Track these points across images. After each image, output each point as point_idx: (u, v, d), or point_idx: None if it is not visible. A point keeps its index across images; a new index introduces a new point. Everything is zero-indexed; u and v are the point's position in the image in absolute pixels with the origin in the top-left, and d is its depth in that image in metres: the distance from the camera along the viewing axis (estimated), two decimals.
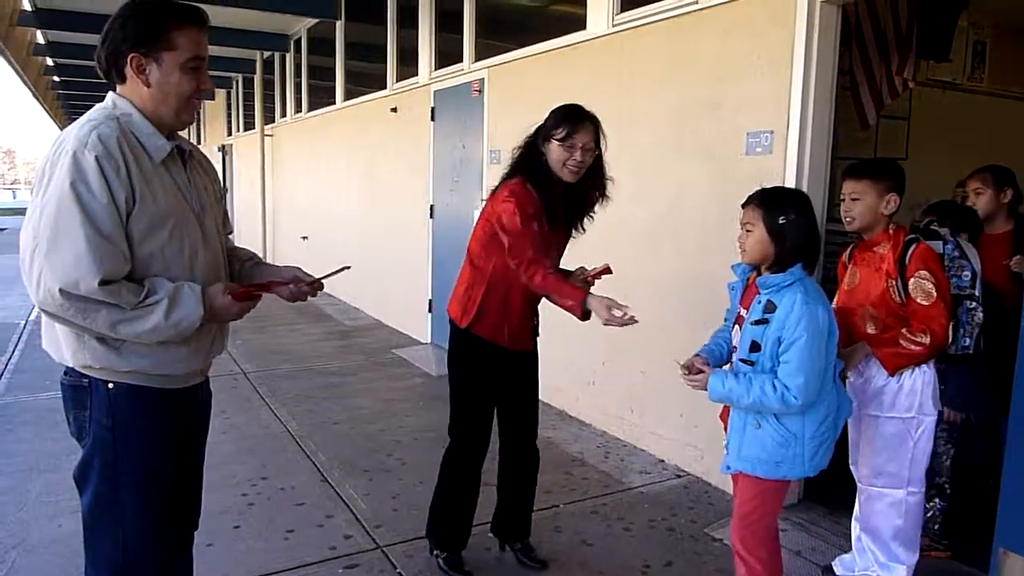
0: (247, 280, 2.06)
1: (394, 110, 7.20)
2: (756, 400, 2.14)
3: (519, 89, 5.25)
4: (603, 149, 2.72)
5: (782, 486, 2.29)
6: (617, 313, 2.32)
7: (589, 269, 2.73)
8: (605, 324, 2.37)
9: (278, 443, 4.30)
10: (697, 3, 3.74)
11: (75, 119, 1.83)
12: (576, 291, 2.48)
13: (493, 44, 5.82)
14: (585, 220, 2.82)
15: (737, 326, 2.32)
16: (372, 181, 8.07)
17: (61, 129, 1.74)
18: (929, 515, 3.03)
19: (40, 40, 11.30)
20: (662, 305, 3.97)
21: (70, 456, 1.84)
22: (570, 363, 4.61)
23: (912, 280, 2.49)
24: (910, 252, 2.51)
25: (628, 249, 4.25)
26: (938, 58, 5.02)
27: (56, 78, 14.88)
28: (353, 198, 8.61)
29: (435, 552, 2.94)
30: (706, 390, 2.24)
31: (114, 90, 1.81)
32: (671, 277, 3.92)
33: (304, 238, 10.10)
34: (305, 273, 2.08)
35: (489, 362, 2.78)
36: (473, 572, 2.88)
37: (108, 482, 1.79)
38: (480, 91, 5.75)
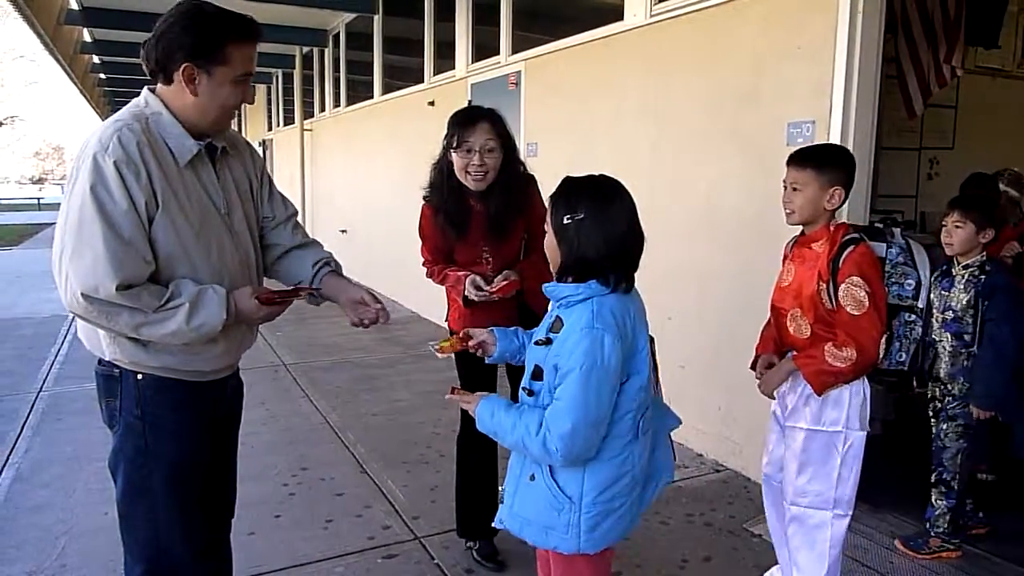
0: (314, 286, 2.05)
1: (431, 103, 7.22)
2: (519, 440, 1.67)
3: (556, 81, 5.23)
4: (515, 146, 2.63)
5: (599, 559, 1.78)
6: (475, 288, 2.52)
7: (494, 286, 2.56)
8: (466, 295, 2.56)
9: (318, 434, 4.36)
10: None
11: None
12: (459, 275, 2.62)
13: (530, 36, 5.80)
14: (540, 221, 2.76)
15: None
16: (410, 175, 8.03)
17: None
18: (937, 513, 2.93)
19: (87, 38, 11.56)
20: (701, 299, 3.93)
21: None
22: None
23: (843, 286, 2.20)
24: (845, 254, 2.22)
25: (666, 242, 4.20)
26: (987, 45, 4.89)
27: (102, 75, 15.22)
28: (391, 191, 8.65)
29: (468, 544, 2.96)
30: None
31: (151, 86, 1.80)
32: (710, 271, 3.87)
33: (343, 231, 10.20)
34: (375, 298, 1.99)
35: (464, 354, 2.79)
36: (507, 562, 2.89)
37: (139, 470, 1.82)
38: (517, 84, 5.73)
